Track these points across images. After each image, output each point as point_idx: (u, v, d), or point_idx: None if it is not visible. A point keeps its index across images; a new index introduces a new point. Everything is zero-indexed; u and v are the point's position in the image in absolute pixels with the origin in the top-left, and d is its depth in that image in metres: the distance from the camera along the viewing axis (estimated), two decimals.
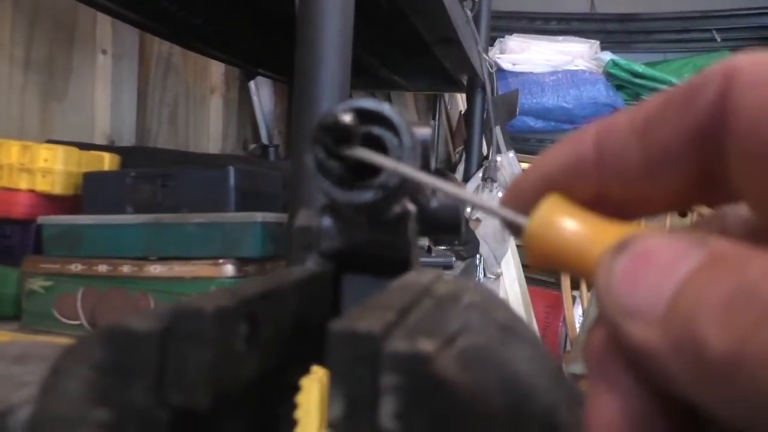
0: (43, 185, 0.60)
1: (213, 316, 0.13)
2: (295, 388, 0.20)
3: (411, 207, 0.21)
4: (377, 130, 0.19)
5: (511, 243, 1.87)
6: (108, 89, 1.39)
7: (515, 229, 0.14)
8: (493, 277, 1.69)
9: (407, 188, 0.19)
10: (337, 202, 0.18)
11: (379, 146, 0.19)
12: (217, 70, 1.80)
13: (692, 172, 0.12)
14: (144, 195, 0.57)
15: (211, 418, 0.14)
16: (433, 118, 1.80)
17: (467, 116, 1.62)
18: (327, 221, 0.21)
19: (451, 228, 0.25)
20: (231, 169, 0.54)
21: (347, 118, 0.18)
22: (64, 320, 0.56)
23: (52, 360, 0.21)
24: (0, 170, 0.61)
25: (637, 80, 2.12)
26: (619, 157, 0.13)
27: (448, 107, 1.89)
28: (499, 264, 1.67)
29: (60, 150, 0.61)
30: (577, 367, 1.37)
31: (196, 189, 0.56)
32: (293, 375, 0.19)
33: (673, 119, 0.12)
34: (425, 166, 0.24)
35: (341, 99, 0.52)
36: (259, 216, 0.53)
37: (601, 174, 0.13)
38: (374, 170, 0.19)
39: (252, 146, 1.96)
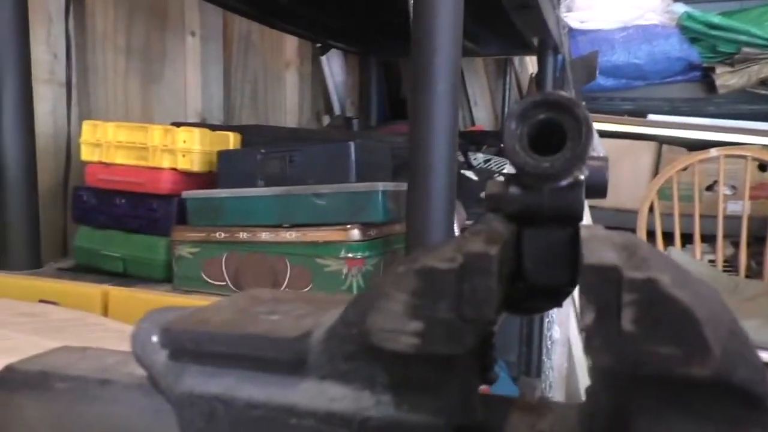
0: (183, 164, 0.68)
1: (496, 258, 0.18)
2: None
3: (581, 176, 0.26)
4: (560, 117, 0.24)
5: (585, 204, 1.89)
6: (198, 70, 1.48)
7: None
8: None
9: (580, 163, 0.24)
10: (530, 172, 0.24)
11: (561, 130, 0.24)
12: (291, 45, 1.86)
13: None
14: (273, 169, 0.64)
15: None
16: (504, 82, 1.82)
17: (539, 79, 1.63)
18: (514, 189, 0.26)
19: (600, 190, 0.30)
20: (351, 144, 0.61)
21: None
22: (211, 281, 0.64)
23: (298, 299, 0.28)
24: (146, 152, 0.69)
25: (714, 32, 2.06)
26: None
27: (518, 70, 1.90)
28: None
29: (197, 132, 0.68)
30: None
31: (319, 163, 0.62)
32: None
33: None
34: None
35: (454, 75, 0.57)
36: (380, 185, 0.59)
37: None
38: (553, 148, 0.25)
39: (326, 117, 2.03)
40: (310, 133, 0.80)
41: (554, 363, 1.76)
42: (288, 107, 1.94)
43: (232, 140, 0.73)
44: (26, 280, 0.68)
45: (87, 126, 0.73)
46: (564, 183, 0.25)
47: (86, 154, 0.73)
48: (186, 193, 0.67)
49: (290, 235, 0.60)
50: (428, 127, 0.55)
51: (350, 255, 0.58)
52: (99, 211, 0.73)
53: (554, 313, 1.80)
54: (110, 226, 0.73)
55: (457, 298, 0.19)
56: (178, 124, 0.90)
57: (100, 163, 0.72)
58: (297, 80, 1.96)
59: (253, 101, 1.76)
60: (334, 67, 2.10)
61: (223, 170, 0.68)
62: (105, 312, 0.64)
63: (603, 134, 2.15)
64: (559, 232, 0.26)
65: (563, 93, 0.24)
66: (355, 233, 0.58)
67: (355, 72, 2.12)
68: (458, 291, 0.18)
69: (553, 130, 0.25)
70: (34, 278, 0.68)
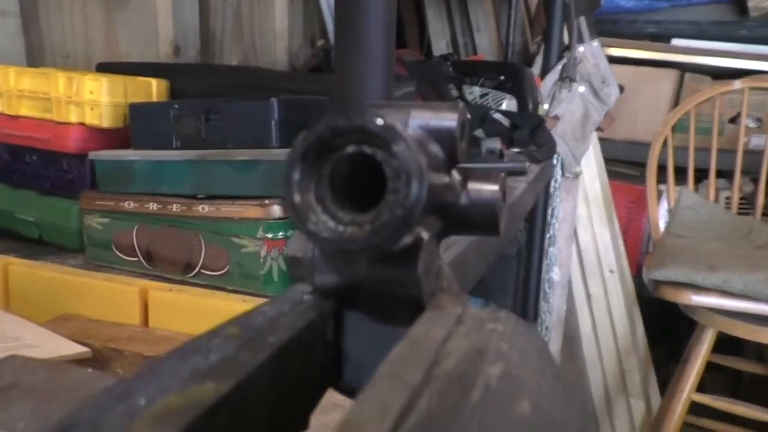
0: (91, 118, 0.59)
1: None
2: None
3: (425, 234, 0.17)
4: (369, 149, 0.15)
5: (594, 138, 1.76)
6: None
7: None
8: (572, 176, 1.60)
9: (405, 227, 0.15)
10: (327, 239, 0.15)
11: (376, 169, 0.15)
12: None
13: None
14: (189, 129, 0.55)
15: None
16: (510, 5, 1.65)
17: (547, 2, 1.47)
18: (320, 254, 0.17)
19: (486, 227, 0.21)
20: (274, 102, 0.51)
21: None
22: (123, 257, 0.57)
23: (40, 391, 0.20)
24: (49, 103, 0.60)
25: None
26: None
27: None
28: (578, 162, 1.58)
29: (104, 81, 0.59)
30: (659, 273, 1.30)
31: (239, 122, 0.53)
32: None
33: None
34: (451, 160, 0.20)
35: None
36: None
37: None
38: (373, 196, 0.15)
39: (320, 42, 1.89)
40: (252, 78, 0.70)
41: (553, 306, 1.70)
42: (277, 32, 1.81)
43: (155, 89, 0.63)
44: None
45: None
46: (393, 249, 0.16)
47: None
48: (93, 154, 0.58)
49: (203, 209, 0.52)
50: (355, 76, 0.45)
51: (269, 235, 0.49)
52: (12, 169, 0.65)
53: (554, 253, 1.72)
54: (24, 186, 0.65)
55: None
56: (104, 66, 0.80)
57: (4, 114, 0.63)
58: (287, 2, 1.81)
59: (236, 26, 1.63)
60: None
61: (135, 127, 0.58)
62: (6, 289, 0.57)
63: (622, 60, 1.98)
64: (389, 319, 0.17)
65: (381, 115, 0.14)
66: (276, 210, 0.49)
67: None
68: None
69: (371, 172, 0.15)
70: None
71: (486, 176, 0.20)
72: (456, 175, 0.20)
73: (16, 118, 0.62)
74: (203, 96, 0.66)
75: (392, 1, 0.46)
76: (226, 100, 0.56)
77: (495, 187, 0.20)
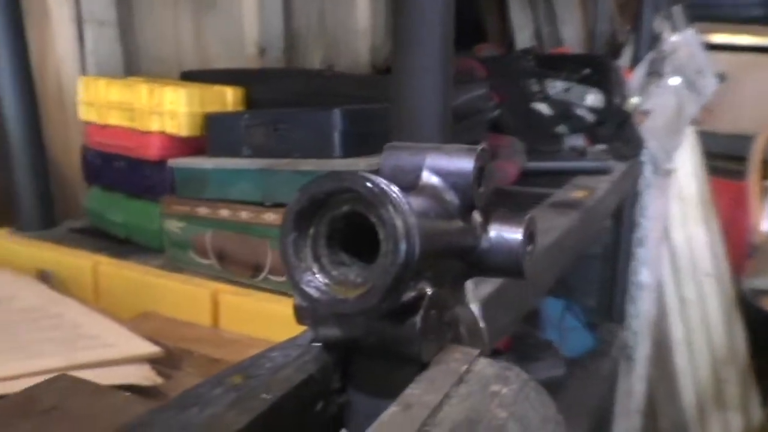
0: (171, 127, 0.62)
1: None
2: None
3: (429, 289, 0.17)
4: (363, 209, 0.15)
5: (690, 133, 1.66)
6: None
7: None
8: (664, 173, 1.52)
9: (404, 282, 0.15)
10: (320, 301, 0.15)
11: (370, 231, 0.15)
12: None
13: None
14: (258, 139, 0.57)
15: None
16: None
17: None
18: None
19: (508, 271, 0.20)
20: (337, 112, 0.52)
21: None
22: (199, 259, 0.60)
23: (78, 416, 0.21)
24: (133, 112, 0.64)
25: None
26: None
27: None
28: (671, 159, 1.49)
29: (183, 91, 0.62)
30: (759, 281, 1.21)
31: (305, 132, 0.54)
32: None
33: None
34: (468, 205, 0.19)
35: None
36: (362, 163, 0.50)
37: None
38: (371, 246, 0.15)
39: None
40: (337, 85, 0.71)
41: (640, 309, 1.62)
42: (360, 29, 1.82)
43: (230, 98, 0.66)
44: (27, 247, 0.67)
45: (83, 83, 0.69)
46: (393, 306, 0.16)
47: (84, 113, 0.69)
48: (172, 162, 0.62)
49: (269, 217, 0.53)
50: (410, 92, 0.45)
51: None
52: (104, 173, 0.70)
53: (643, 254, 1.64)
54: (114, 189, 0.70)
55: None
56: (188, 74, 0.84)
57: (96, 123, 0.68)
58: None
59: (320, 26, 1.66)
60: None
61: (211, 136, 0.61)
62: (96, 286, 0.62)
63: (724, 47, 1.86)
64: (391, 373, 0.17)
65: (373, 178, 0.14)
66: None
67: None
68: None
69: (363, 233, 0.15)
70: (38, 243, 0.67)
71: (509, 219, 0.20)
72: (477, 218, 0.20)
73: (105, 127, 0.67)
74: (278, 103, 0.68)
75: (449, 5, 0.45)
76: (294, 110, 0.57)
77: (518, 231, 0.20)
